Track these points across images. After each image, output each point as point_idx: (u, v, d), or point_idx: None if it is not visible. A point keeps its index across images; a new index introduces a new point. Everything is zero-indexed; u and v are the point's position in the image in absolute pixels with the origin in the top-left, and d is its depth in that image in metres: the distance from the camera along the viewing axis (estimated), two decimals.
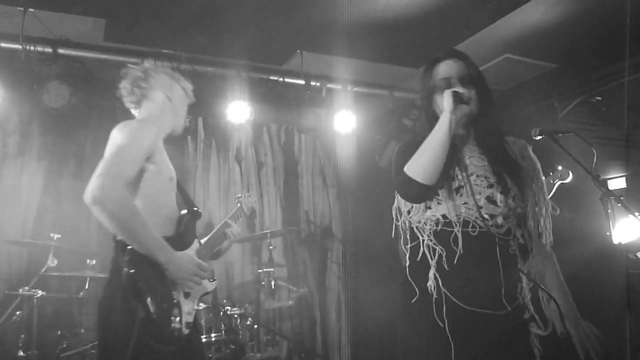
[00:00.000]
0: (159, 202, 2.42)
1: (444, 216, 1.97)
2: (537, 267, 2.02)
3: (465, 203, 1.93)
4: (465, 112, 1.96)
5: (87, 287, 4.21)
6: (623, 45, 4.54)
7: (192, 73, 4.70)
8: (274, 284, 4.87)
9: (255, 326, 4.68)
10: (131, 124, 2.41)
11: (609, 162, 5.78)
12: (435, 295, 1.91)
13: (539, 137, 2.40)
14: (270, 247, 4.97)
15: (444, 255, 1.93)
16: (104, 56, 4.50)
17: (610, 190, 2.34)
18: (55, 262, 4.03)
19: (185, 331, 2.34)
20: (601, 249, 4.25)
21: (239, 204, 3.22)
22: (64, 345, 3.98)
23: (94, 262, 4.21)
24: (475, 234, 1.93)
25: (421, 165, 1.92)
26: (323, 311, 6.01)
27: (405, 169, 1.94)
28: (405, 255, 2.08)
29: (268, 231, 5.13)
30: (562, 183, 3.48)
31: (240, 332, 4.39)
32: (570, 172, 3.46)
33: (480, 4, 4.06)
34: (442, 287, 1.90)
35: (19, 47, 4.18)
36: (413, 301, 1.97)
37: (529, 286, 1.99)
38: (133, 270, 2.18)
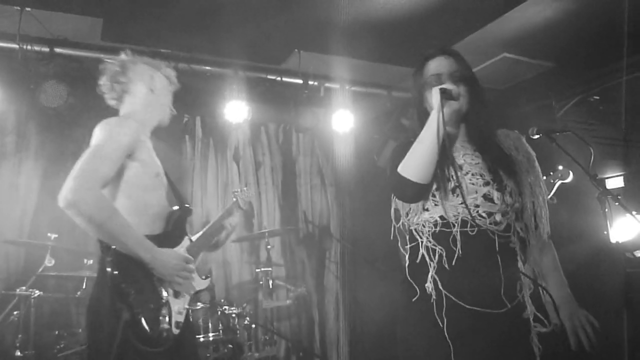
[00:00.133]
0: (146, 199, 2.36)
1: (441, 217, 1.96)
2: (536, 258, 2.02)
3: (462, 203, 1.92)
4: (455, 109, 1.96)
5: (84, 286, 4.20)
6: (621, 45, 4.55)
7: (190, 72, 4.70)
8: (272, 284, 4.87)
9: (253, 325, 4.67)
10: (110, 121, 2.34)
11: (606, 161, 5.78)
12: (434, 297, 1.90)
13: (536, 136, 2.40)
14: (268, 247, 4.97)
15: (443, 256, 1.92)
16: (101, 55, 4.48)
17: (608, 189, 2.34)
18: (53, 261, 4.03)
19: (176, 331, 2.28)
20: (599, 248, 4.25)
21: (234, 199, 3.12)
22: (62, 345, 3.98)
23: (91, 261, 4.20)
24: (474, 233, 1.92)
25: (414, 164, 1.91)
26: (321, 310, 6.00)
27: (399, 169, 1.94)
28: (405, 255, 2.08)
29: (266, 230, 5.13)
30: (562, 183, 3.48)
31: (238, 332, 4.39)
32: (570, 172, 3.47)
33: (478, 3, 4.06)
34: (441, 289, 1.89)
35: (16, 46, 4.16)
36: (413, 300, 1.96)
37: (529, 283, 1.98)
38: (116, 272, 2.14)
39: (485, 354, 1.85)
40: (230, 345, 4.26)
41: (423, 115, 2.09)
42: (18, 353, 3.80)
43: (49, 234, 4.08)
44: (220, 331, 4.14)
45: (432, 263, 1.94)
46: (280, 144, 6.23)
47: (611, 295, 4.07)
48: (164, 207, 2.45)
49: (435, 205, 1.98)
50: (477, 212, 1.93)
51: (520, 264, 1.99)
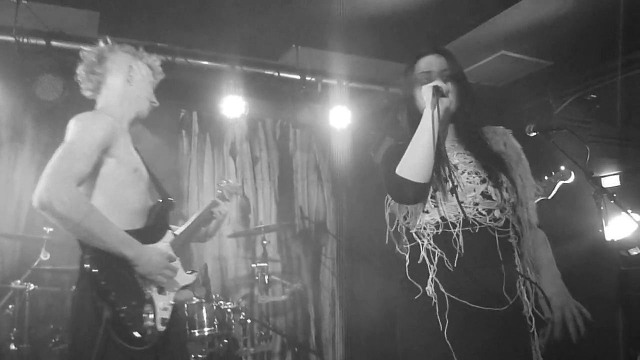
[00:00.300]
0: (124, 195, 2.27)
1: (442, 218, 1.95)
2: (530, 250, 2.02)
3: (462, 202, 1.91)
4: (446, 107, 1.96)
5: None
6: (618, 43, 4.55)
7: (187, 67, 4.68)
8: (268, 279, 4.87)
9: (249, 321, 4.68)
10: (83, 116, 2.25)
11: (603, 159, 5.79)
12: (435, 300, 1.88)
13: (533, 133, 2.40)
14: (265, 242, 4.97)
15: (444, 258, 1.91)
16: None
17: (604, 188, 2.35)
18: (48, 255, 4.02)
19: (161, 328, 2.20)
20: (594, 246, 4.26)
21: (219, 191, 2.95)
22: (57, 339, 3.96)
23: None
24: (476, 231, 1.92)
25: (413, 163, 1.90)
26: (317, 306, 6.01)
27: (397, 170, 1.92)
28: (405, 255, 2.05)
29: (262, 226, 5.13)
30: (563, 183, 3.48)
31: (234, 327, 4.39)
32: (572, 172, 3.47)
33: (476, 0, 4.06)
34: (443, 291, 1.88)
35: (12, 39, 4.14)
36: (414, 300, 1.94)
37: (529, 278, 1.98)
38: (96, 270, 2.05)
39: (489, 353, 1.85)
40: (226, 340, 4.26)
41: (413, 114, 2.10)
42: (13, 347, 3.79)
43: (44, 228, 4.06)
44: (216, 326, 4.13)
45: (432, 266, 1.92)
46: (277, 139, 6.23)
47: (606, 292, 4.08)
48: (144, 203, 2.37)
49: (435, 206, 1.97)
50: (477, 210, 1.94)
51: (517, 259, 1.99)
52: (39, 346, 3.96)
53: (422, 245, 1.97)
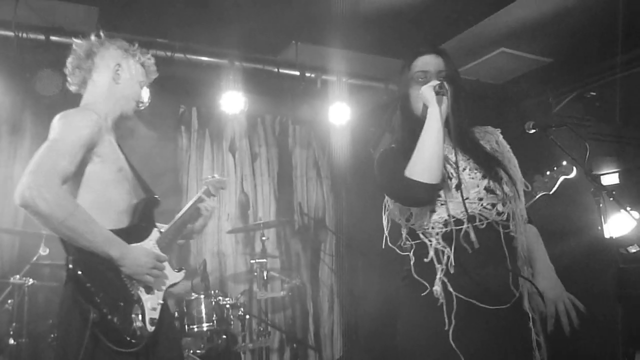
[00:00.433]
0: (108, 195, 2.21)
1: (450, 216, 1.94)
2: (523, 244, 2.03)
3: (467, 198, 1.92)
4: (447, 105, 1.96)
5: None
6: (618, 41, 4.55)
7: (186, 62, 4.68)
8: (267, 275, 4.88)
9: (247, 316, 4.68)
10: (69, 113, 2.20)
11: (602, 157, 5.80)
12: (442, 300, 1.87)
13: (532, 131, 2.40)
14: (264, 238, 4.97)
15: (451, 258, 1.90)
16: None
17: (603, 185, 2.35)
18: (47, 250, 4.01)
19: (150, 328, 2.15)
20: (593, 243, 4.27)
21: (205, 186, 2.82)
22: (55, 334, 3.97)
23: None
24: (483, 227, 1.93)
25: (423, 164, 1.88)
26: (316, 302, 6.02)
27: (407, 173, 1.89)
28: (409, 255, 2.02)
29: (261, 222, 5.13)
30: (565, 178, 3.47)
31: (232, 323, 4.40)
32: (574, 167, 3.46)
33: None
34: (451, 290, 1.87)
35: (12, 34, 4.14)
36: (420, 298, 1.93)
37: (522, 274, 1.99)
38: (81, 271, 2.00)
39: (494, 350, 1.85)
40: (224, 336, 4.27)
41: (407, 114, 2.12)
42: (12, 341, 3.80)
43: None
44: (214, 322, 4.14)
45: (440, 266, 1.91)
46: (277, 135, 6.22)
47: (605, 290, 4.09)
48: (128, 202, 2.32)
49: (442, 204, 1.96)
50: (482, 205, 1.95)
51: (519, 253, 2.00)
52: (38, 341, 3.97)
53: (431, 244, 1.95)
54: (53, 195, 1.95)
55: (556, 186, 3.44)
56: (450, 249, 1.91)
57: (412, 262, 2.00)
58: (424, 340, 1.91)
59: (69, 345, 2.00)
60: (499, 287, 1.90)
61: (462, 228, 1.92)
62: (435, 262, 1.92)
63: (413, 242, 2.02)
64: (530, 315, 1.96)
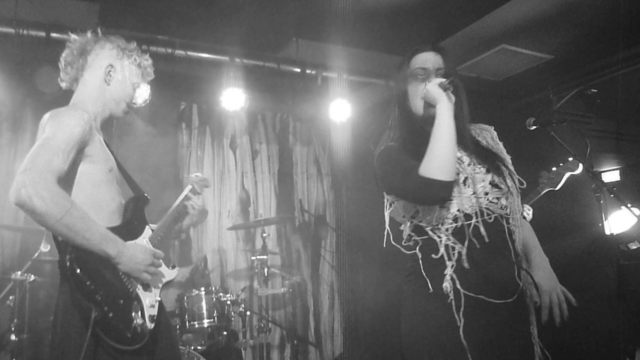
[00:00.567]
0: (100, 195, 2.18)
1: (459, 211, 1.94)
2: (520, 237, 2.04)
3: (474, 193, 1.94)
4: (453, 102, 1.97)
5: None
6: (619, 37, 4.55)
7: (187, 59, 4.67)
8: (267, 272, 4.88)
9: (248, 313, 4.69)
10: (59, 112, 2.15)
11: (603, 154, 5.80)
12: (451, 297, 1.86)
13: (533, 127, 2.40)
14: (264, 235, 4.97)
15: (463, 254, 1.89)
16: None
17: (603, 182, 2.35)
18: (48, 247, 4.02)
19: (150, 325, 2.15)
20: (593, 240, 4.27)
21: (190, 185, 2.78)
22: (52, 335, 3.98)
23: None
24: (491, 221, 1.94)
25: (439, 162, 1.87)
26: (316, 299, 6.03)
27: (423, 172, 1.87)
28: (416, 252, 2.00)
29: (262, 219, 5.13)
30: (571, 174, 3.46)
31: (233, 319, 4.41)
32: (580, 164, 3.46)
33: None
34: (459, 287, 1.86)
35: (12, 30, 4.13)
36: (427, 295, 1.92)
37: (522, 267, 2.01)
38: (79, 270, 1.97)
39: (501, 345, 1.86)
40: (225, 332, 4.28)
41: (404, 112, 2.12)
42: (13, 337, 3.81)
43: None
44: (215, 318, 4.15)
45: (450, 262, 1.90)
46: (277, 132, 6.23)
47: (605, 287, 4.09)
48: (119, 202, 2.30)
49: (451, 200, 1.96)
50: (488, 199, 1.96)
51: (517, 245, 2.02)
52: (39, 337, 3.98)
53: (441, 240, 1.94)
54: (49, 192, 1.91)
55: (562, 182, 3.43)
56: (463, 245, 1.90)
57: (420, 259, 1.98)
58: (430, 337, 1.90)
59: (68, 346, 1.97)
60: (506, 280, 1.91)
61: (471, 223, 1.92)
62: (446, 259, 1.91)
63: (419, 239, 2.00)
64: (530, 307, 1.99)
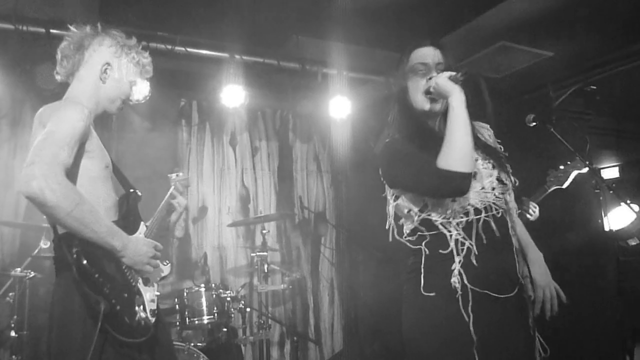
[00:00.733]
0: (97, 191, 2.17)
1: (470, 205, 1.94)
2: (515, 233, 2.06)
3: (482, 188, 1.94)
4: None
5: None
6: (619, 35, 4.55)
7: (187, 56, 4.67)
8: (267, 268, 4.89)
9: (248, 309, 4.69)
10: (60, 106, 2.15)
11: (602, 151, 5.81)
12: (459, 292, 1.86)
13: (533, 124, 2.41)
14: (264, 232, 4.98)
15: (474, 248, 1.89)
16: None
17: (603, 178, 2.36)
18: (48, 243, 4.01)
19: (152, 319, 2.15)
20: (593, 236, 4.28)
21: (172, 185, 2.76)
22: (53, 330, 3.98)
23: None
24: (499, 216, 1.95)
25: (458, 154, 1.86)
26: (316, 296, 6.04)
27: (442, 165, 1.86)
28: (421, 248, 2.00)
29: (262, 215, 5.14)
30: (579, 173, 3.46)
31: (233, 316, 4.41)
32: (594, 166, 3.46)
33: None
34: (466, 283, 1.86)
35: (12, 27, 4.12)
36: (430, 292, 1.92)
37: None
38: (85, 261, 1.95)
39: (504, 339, 1.87)
40: (225, 329, 4.28)
41: (405, 107, 2.12)
42: (13, 334, 3.81)
43: (44, 216, 4.06)
44: (215, 314, 4.15)
45: (458, 257, 1.90)
46: (277, 129, 6.23)
47: (604, 283, 4.10)
48: (114, 199, 2.29)
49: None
50: (495, 194, 1.97)
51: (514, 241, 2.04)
52: (39, 333, 3.98)
53: (451, 235, 1.93)
54: (60, 185, 1.90)
55: (569, 180, 3.42)
56: (472, 240, 1.91)
57: (425, 254, 1.97)
58: (433, 333, 1.90)
59: (74, 339, 1.97)
60: (508, 275, 1.94)
61: (481, 217, 1.93)
62: (455, 254, 1.90)
63: (428, 233, 1.99)
64: (528, 301, 2.01)
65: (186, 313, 4.12)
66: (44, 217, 4.09)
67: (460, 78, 1.94)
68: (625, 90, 5.45)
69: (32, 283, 3.98)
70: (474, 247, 1.89)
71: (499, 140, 2.23)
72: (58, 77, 2.38)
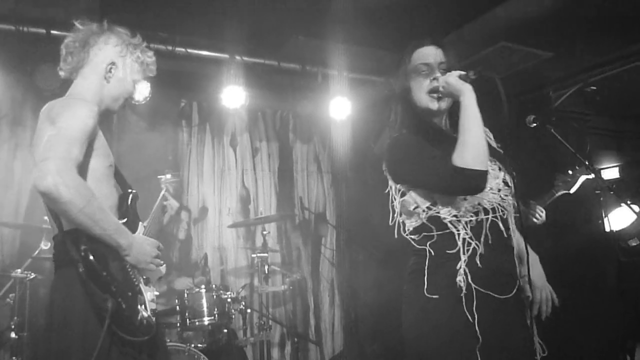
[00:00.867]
0: (101, 190, 2.15)
1: (479, 204, 1.94)
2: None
3: (490, 189, 1.94)
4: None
5: None
6: (619, 35, 4.55)
7: (187, 56, 4.67)
8: (268, 269, 4.88)
9: (249, 310, 4.69)
10: (69, 103, 2.15)
11: (602, 151, 5.80)
12: (465, 291, 1.85)
13: (533, 125, 2.41)
14: (264, 232, 4.98)
15: (481, 248, 1.89)
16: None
17: (603, 179, 2.36)
18: (48, 244, 4.01)
19: (153, 319, 2.15)
20: (594, 237, 4.28)
21: (163, 187, 2.81)
22: (54, 328, 3.97)
23: None
24: (505, 217, 1.96)
25: (474, 152, 1.85)
26: (316, 297, 6.04)
27: (458, 162, 1.84)
28: (425, 249, 1.98)
29: (262, 216, 5.14)
30: (587, 178, 3.45)
31: (233, 317, 4.40)
32: (594, 167, 3.46)
33: None
34: (470, 282, 1.86)
35: (12, 27, 4.13)
36: (432, 292, 1.90)
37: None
38: (92, 257, 1.96)
39: (506, 339, 1.87)
40: (225, 330, 4.27)
41: (408, 107, 2.11)
42: (13, 335, 3.80)
43: (44, 217, 4.06)
44: (216, 316, 4.15)
45: (463, 257, 1.89)
46: (277, 130, 6.23)
47: (605, 283, 4.10)
48: (115, 198, 2.29)
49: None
50: (500, 196, 1.97)
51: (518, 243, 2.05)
52: (39, 335, 3.97)
53: (459, 234, 1.92)
54: (73, 181, 1.91)
55: (577, 185, 3.41)
56: (480, 240, 1.91)
57: (430, 254, 1.96)
58: (434, 333, 1.89)
59: (76, 338, 1.96)
60: (509, 276, 1.94)
61: (489, 217, 1.93)
62: (461, 253, 1.90)
63: (435, 233, 1.97)
64: (525, 302, 2.03)
65: (187, 314, 4.11)
66: (44, 217, 4.12)
67: (472, 77, 1.94)
68: (625, 90, 5.44)
69: (33, 284, 3.98)
70: (480, 247, 1.89)
71: (499, 145, 2.23)
72: (62, 73, 2.35)
